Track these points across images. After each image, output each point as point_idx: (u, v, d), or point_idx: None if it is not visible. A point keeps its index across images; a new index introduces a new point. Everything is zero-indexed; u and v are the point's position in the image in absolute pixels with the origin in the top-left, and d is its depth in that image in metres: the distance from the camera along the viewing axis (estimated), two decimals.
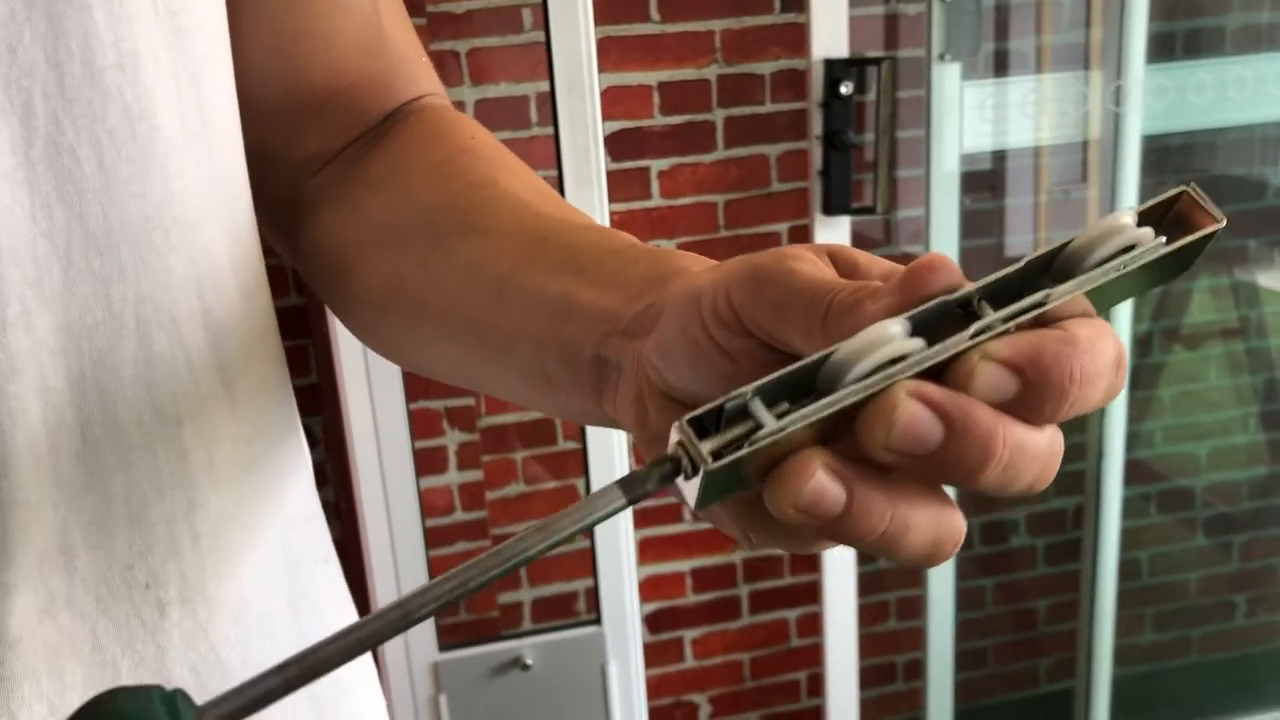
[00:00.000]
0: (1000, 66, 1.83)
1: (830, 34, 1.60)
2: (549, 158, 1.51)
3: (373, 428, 1.51)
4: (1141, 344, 2.10)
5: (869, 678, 2.00)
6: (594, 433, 1.63)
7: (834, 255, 0.32)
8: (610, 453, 1.63)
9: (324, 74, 0.49)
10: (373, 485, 1.53)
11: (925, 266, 0.28)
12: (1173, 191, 0.29)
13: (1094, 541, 1.99)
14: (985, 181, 1.91)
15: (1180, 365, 2.16)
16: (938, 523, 0.29)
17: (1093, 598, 2.01)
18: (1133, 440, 2.05)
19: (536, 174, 0.48)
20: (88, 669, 0.38)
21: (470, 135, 0.49)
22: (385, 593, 1.57)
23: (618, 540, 1.66)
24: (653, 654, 1.87)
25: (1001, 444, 0.27)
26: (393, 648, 1.60)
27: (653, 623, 1.87)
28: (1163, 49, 1.84)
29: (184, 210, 0.39)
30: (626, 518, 1.69)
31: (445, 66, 1.56)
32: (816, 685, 1.95)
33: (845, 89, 1.60)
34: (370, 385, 1.48)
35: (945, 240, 1.77)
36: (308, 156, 0.50)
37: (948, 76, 1.68)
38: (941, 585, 1.92)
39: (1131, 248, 0.28)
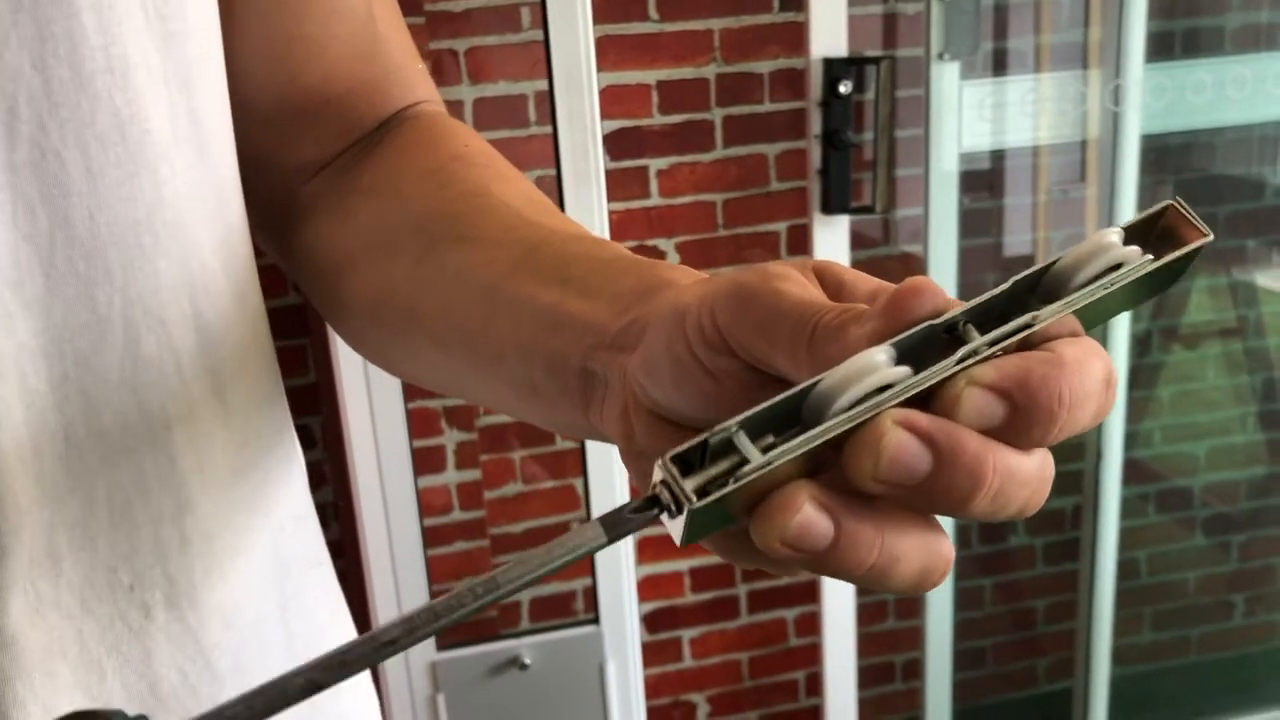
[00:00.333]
0: (999, 66, 1.83)
1: (829, 33, 1.60)
2: (547, 157, 1.51)
3: (371, 427, 1.51)
4: (1140, 343, 2.10)
5: (867, 677, 2.00)
6: None
7: (820, 272, 0.31)
8: (609, 453, 1.63)
9: (318, 80, 0.49)
10: (371, 484, 1.53)
11: (910, 290, 0.27)
12: (1159, 206, 0.29)
13: (1093, 541, 1.99)
14: (984, 181, 1.91)
15: (1179, 365, 2.16)
16: (927, 551, 0.28)
17: (1091, 597, 2.01)
18: (1131, 440, 2.05)
19: (531, 180, 0.48)
20: (75, 670, 0.38)
21: (464, 143, 0.49)
22: (383, 592, 1.57)
23: None
24: (651, 653, 1.87)
25: (991, 471, 0.26)
26: None
27: (651, 622, 1.87)
28: (1161, 48, 1.84)
29: (175, 214, 0.39)
30: None
31: (443, 65, 1.56)
32: (815, 685, 1.95)
33: (844, 88, 1.60)
34: (368, 384, 1.48)
35: (944, 239, 1.77)
36: (302, 163, 0.50)
37: (946, 76, 1.68)
38: (940, 585, 1.92)
39: (1119, 266, 0.28)
